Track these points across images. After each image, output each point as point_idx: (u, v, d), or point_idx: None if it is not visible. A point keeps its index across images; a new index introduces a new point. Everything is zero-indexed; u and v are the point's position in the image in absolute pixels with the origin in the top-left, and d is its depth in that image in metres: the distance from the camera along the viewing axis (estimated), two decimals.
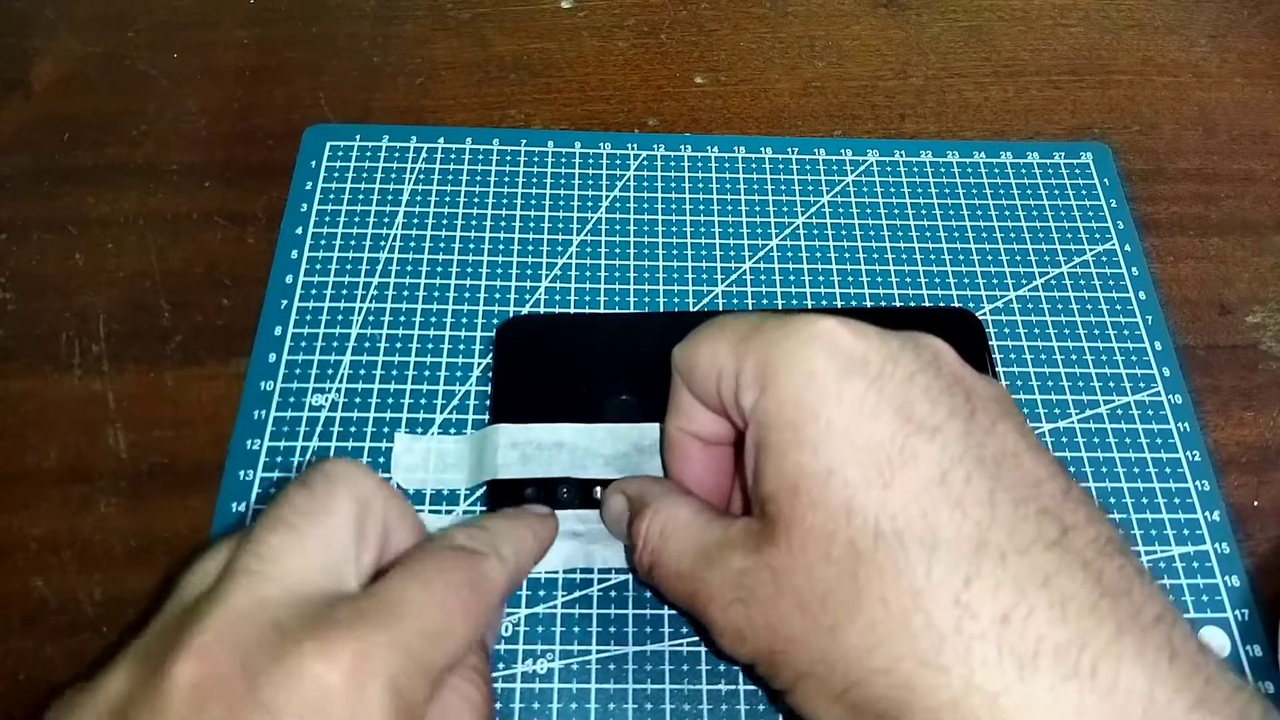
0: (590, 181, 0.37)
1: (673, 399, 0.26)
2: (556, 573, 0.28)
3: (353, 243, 0.35)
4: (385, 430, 0.31)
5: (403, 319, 0.33)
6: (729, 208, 0.36)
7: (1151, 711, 0.18)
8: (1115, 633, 0.18)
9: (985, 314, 0.34)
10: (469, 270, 0.34)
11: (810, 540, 0.20)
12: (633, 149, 0.38)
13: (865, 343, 0.21)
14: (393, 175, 0.36)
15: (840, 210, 0.36)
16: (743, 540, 0.22)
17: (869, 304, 0.34)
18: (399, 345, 0.32)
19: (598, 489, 0.29)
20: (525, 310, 0.33)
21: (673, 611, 0.28)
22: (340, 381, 0.32)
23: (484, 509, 0.29)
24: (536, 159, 0.37)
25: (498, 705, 0.26)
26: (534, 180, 0.37)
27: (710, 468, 0.26)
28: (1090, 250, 0.36)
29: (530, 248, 0.35)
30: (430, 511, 0.29)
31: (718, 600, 0.22)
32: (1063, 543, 0.19)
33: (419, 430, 0.31)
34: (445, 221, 0.35)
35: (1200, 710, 0.18)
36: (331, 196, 0.36)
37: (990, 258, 0.35)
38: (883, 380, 0.21)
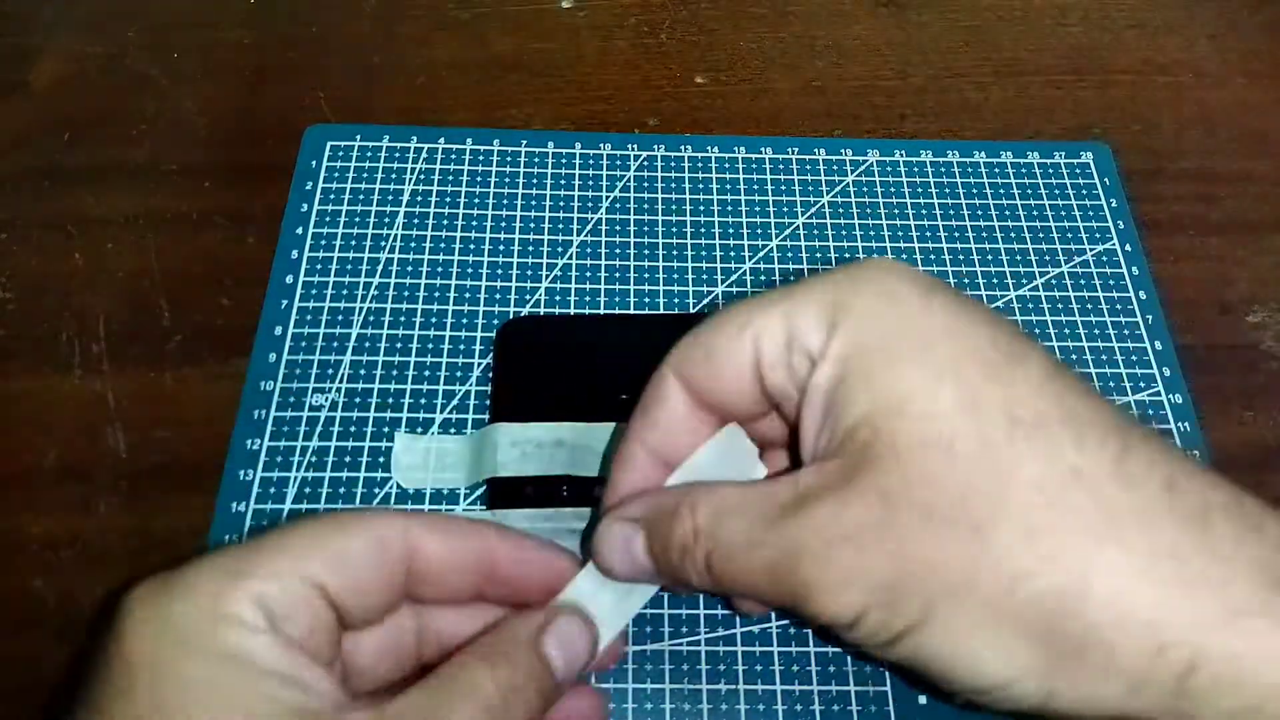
0: (590, 182, 0.37)
1: (646, 409, 0.23)
2: None
3: (353, 243, 0.35)
4: (385, 430, 0.31)
5: (403, 319, 0.33)
6: (729, 208, 0.36)
7: None
8: (1258, 506, 0.18)
9: None
10: (469, 270, 0.34)
11: (927, 446, 0.18)
12: (633, 149, 0.38)
13: (917, 269, 0.21)
14: (393, 175, 0.36)
15: (840, 210, 0.36)
16: (824, 482, 0.19)
17: None
18: (399, 345, 0.32)
19: (597, 488, 0.29)
20: (525, 310, 0.33)
21: (673, 611, 0.28)
22: (340, 381, 0.32)
23: (484, 508, 0.29)
24: (536, 159, 0.37)
25: None
26: (534, 180, 0.37)
27: (656, 485, 0.23)
28: (1090, 250, 0.36)
29: (530, 248, 0.35)
30: (430, 511, 0.29)
31: (809, 552, 0.19)
32: (1171, 446, 0.19)
33: (419, 430, 0.31)
34: (445, 221, 0.35)
35: None
36: (332, 196, 0.36)
37: (990, 257, 0.35)
38: (961, 296, 0.20)
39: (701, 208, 0.36)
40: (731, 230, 0.36)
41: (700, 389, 0.22)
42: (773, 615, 0.28)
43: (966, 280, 0.35)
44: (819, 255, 0.35)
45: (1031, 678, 0.17)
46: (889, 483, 0.18)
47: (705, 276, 0.35)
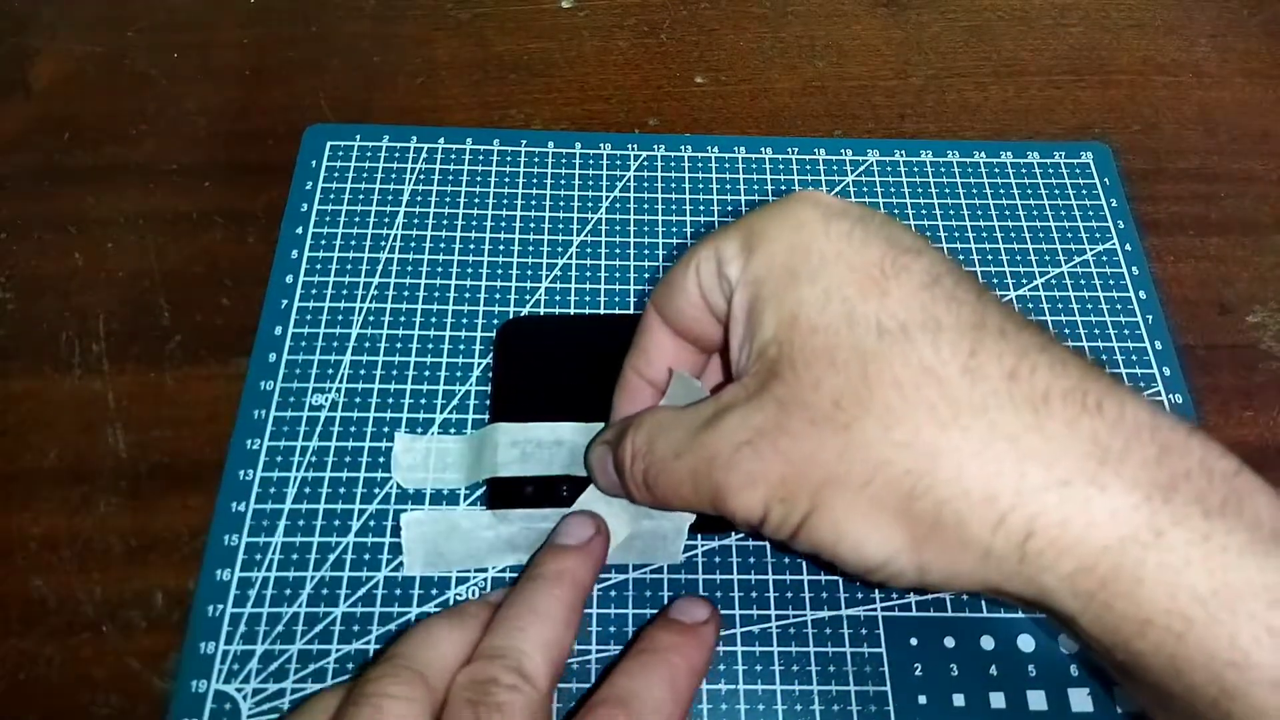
0: (590, 181, 0.37)
1: (637, 340, 0.26)
2: None
3: (353, 243, 0.35)
4: (385, 430, 0.31)
5: (403, 319, 0.33)
6: (729, 208, 0.36)
7: (1157, 435, 0.19)
8: (1112, 385, 0.20)
9: None
10: (469, 270, 0.34)
11: (815, 357, 0.21)
12: (633, 149, 0.38)
13: (841, 201, 0.23)
14: (393, 175, 0.36)
15: None
16: (738, 398, 0.22)
17: None
18: (399, 345, 0.32)
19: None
20: (525, 310, 0.33)
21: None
22: (340, 381, 0.32)
23: (484, 508, 0.29)
24: (536, 159, 0.37)
25: None
26: (534, 180, 0.37)
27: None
28: (1090, 250, 0.36)
29: (530, 248, 0.35)
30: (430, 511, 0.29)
31: (721, 458, 0.22)
32: (1046, 336, 0.21)
33: (419, 430, 0.31)
34: (445, 221, 0.35)
35: (1198, 435, 0.19)
36: (332, 196, 0.36)
37: (990, 257, 0.35)
38: (865, 220, 0.22)
39: (701, 208, 0.36)
40: None
41: (671, 319, 0.25)
42: (773, 615, 0.28)
43: None
44: None
45: (904, 554, 0.20)
46: (785, 392, 0.21)
47: None
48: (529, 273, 0.34)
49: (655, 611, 0.28)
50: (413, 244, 0.35)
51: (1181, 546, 0.18)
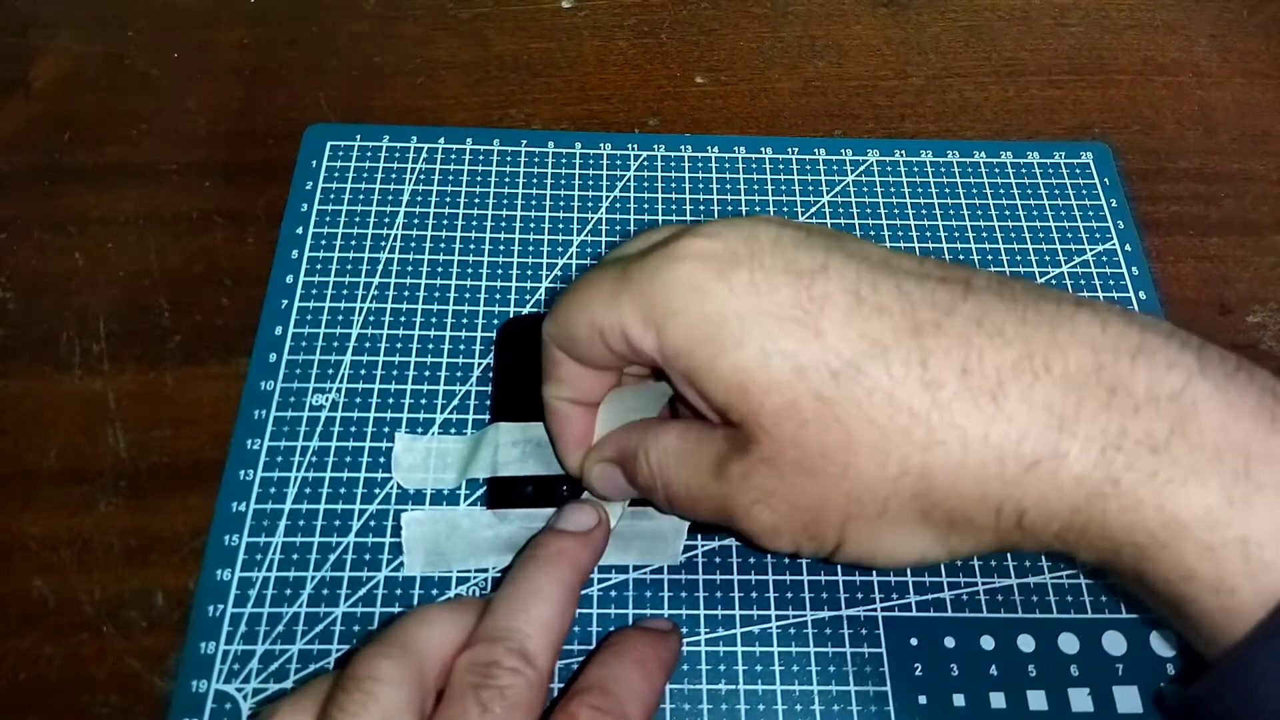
0: (590, 181, 0.37)
1: (548, 370, 0.26)
2: None
3: (353, 243, 0.35)
4: (385, 430, 0.31)
5: (403, 319, 0.33)
6: (730, 208, 0.36)
7: (1104, 376, 0.20)
8: (1049, 331, 0.21)
9: None
10: (469, 270, 0.34)
11: (781, 420, 0.21)
12: (633, 149, 0.38)
13: (722, 240, 0.23)
14: (393, 175, 0.36)
15: (840, 210, 0.36)
16: (731, 448, 0.23)
17: None
18: (399, 345, 0.32)
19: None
20: (525, 310, 0.33)
21: (673, 612, 0.28)
22: (340, 381, 0.32)
23: (484, 507, 0.29)
24: (537, 159, 0.37)
25: None
26: (534, 180, 0.37)
27: (592, 424, 0.27)
28: (1090, 250, 0.36)
29: (530, 248, 0.35)
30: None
31: (739, 508, 0.23)
32: (971, 291, 0.22)
33: (419, 430, 0.31)
34: (445, 221, 0.35)
35: (1143, 356, 0.21)
36: (332, 196, 0.36)
37: (990, 257, 0.35)
38: (755, 257, 0.22)
39: (701, 208, 0.36)
40: None
41: (579, 359, 0.26)
42: (773, 616, 0.28)
43: None
44: None
45: (934, 549, 0.22)
46: (769, 452, 0.22)
47: None
48: (529, 273, 0.34)
49: (655, 612, 0.28)
50: (413, 244, 0.35)
51: (1132, 489, 0.20)
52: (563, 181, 0.37)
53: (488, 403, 0.31)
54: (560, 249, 0.35)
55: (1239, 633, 0.20)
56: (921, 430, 0.21)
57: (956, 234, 0.36)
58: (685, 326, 0.22)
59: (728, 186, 0.37)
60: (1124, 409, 0.20)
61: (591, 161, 0.37)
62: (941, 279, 0.22)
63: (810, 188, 0.37)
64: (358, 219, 0.35)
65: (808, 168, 0.37)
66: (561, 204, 0.36)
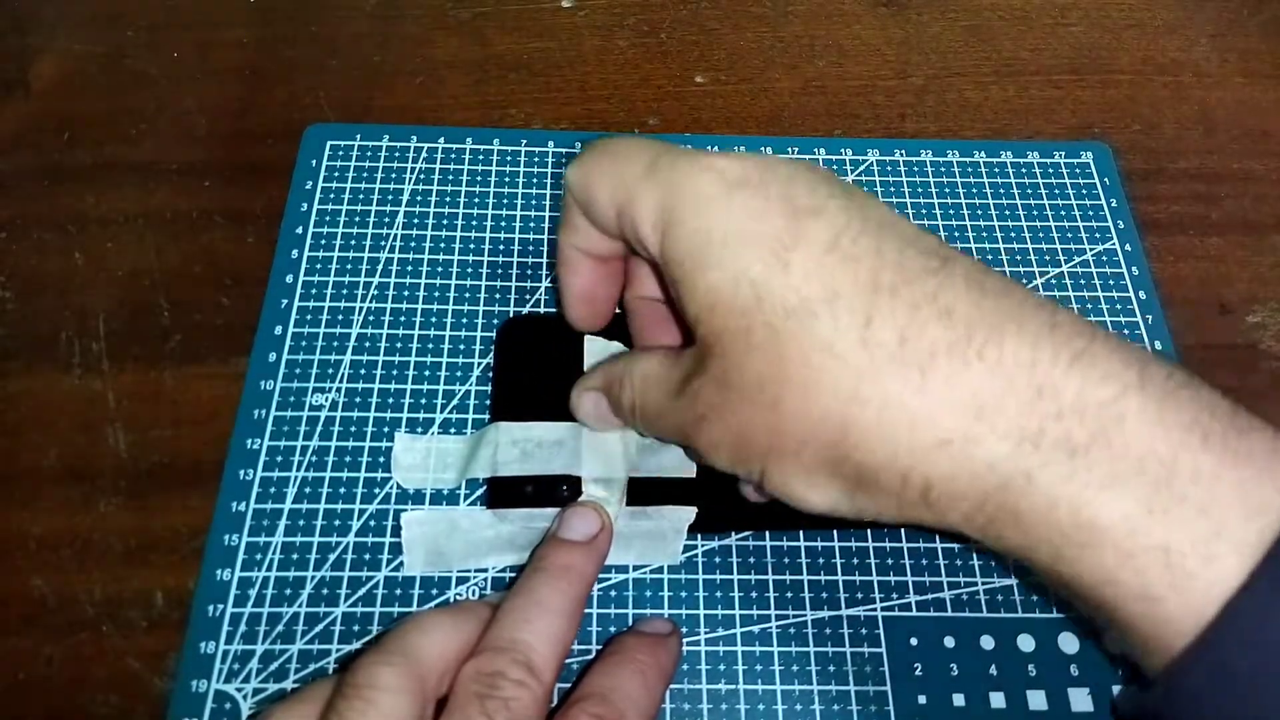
0: None
1: (566, 216, 0.27)
2: None
3: (353, 242, 0.35)
4: (385, 430, 0.31)
5: (403, 319, 0.33)
6: None
7: (1036, 374, 0.20)
8: (998, 320, 0.21)
9: None
10: (469, 270, 0.34)
11: (734, 340, 0.22)
12: None
13: (745, 164, 0.23)
14: (393, 175, 0.36)
15: None
16: (692, 367, 0.24)
17: None
18: (399, 345, 0.32)
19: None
20: (525, 310, 0.33)
21: (673, 612, 0.28)
22: (340, 381, 0.32)
23: (484, 506, 0.29)
24: (537, 159, 0.37)
25: None
26: (534, 180, 0.37)
27: (602, 279, 0.29)
28: (1090, 250, 0.36)
29: (530, 248, 0.35)
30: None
31: (689, 424, 0.24)
32: (945, 268, 0.22)
33: (419, 430, 0.31)
34: (445, 221, 0.35)
35: (1081, 363, 0.20)
36: (332, 196, 0.36)
37: (990, 257, 0.35)
38: (765, 186, 0.23)
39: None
40: None
41: (590, 219, 0.26)
42: (773, 616, 0.28)
43: None
44: None
45: (843, 502, 0.23)
46: (719, 371, 0.23)
47: None
48: (529, 273, 0.34)
49: (653, 611, 0.28)
50: (413, 244, 0.35)
51: (1047, 488, 0.20)
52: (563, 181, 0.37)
53: (488, 402, 0.31)
54: None
55: (1172, 643, 0.20)
56: (849, 383, 0.21)
57: (956, 234, 0.36)
58: (683, 238, 0.23)
59: None
60: (1047, 412, 0.20)
61: None
62: (923, 250, 0.22)
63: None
64: (358, 219, 0.35)
65: None
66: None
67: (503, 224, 0.35)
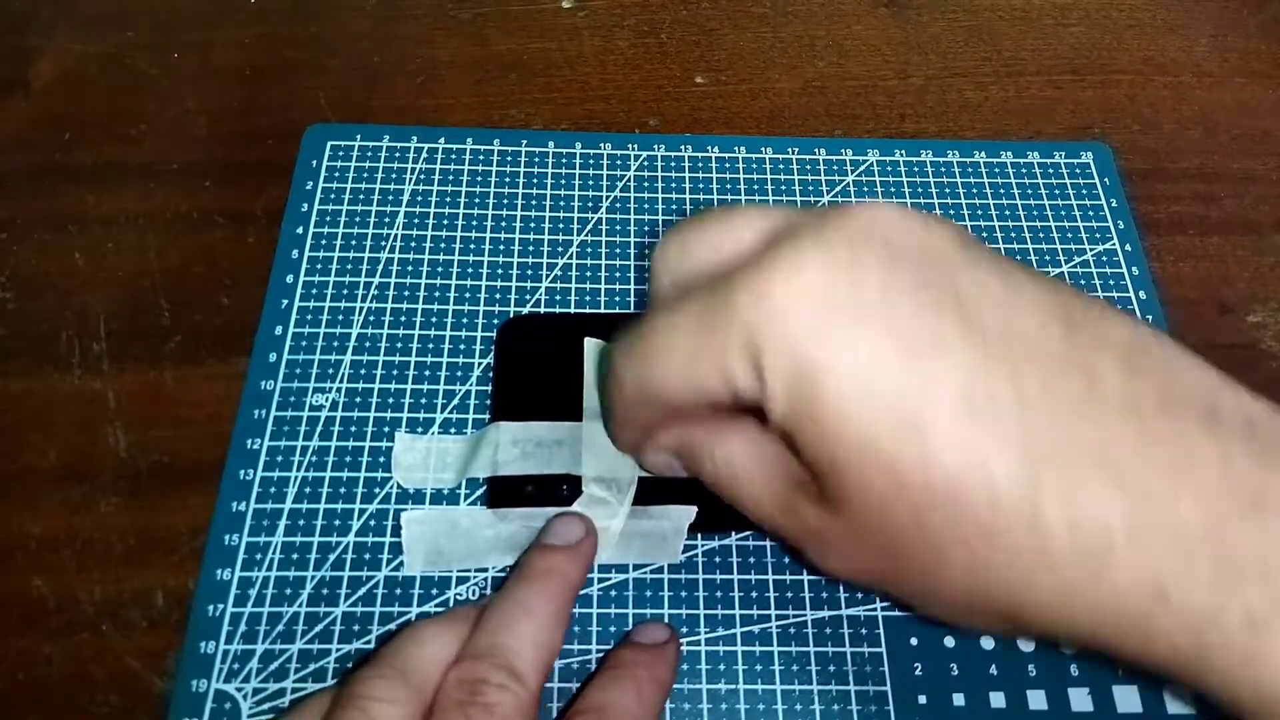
0: (590, 181, 0.37)
1: (631, 417, 0.25)
2: None
3: (353, 242, 0.35)
4: (385, 430, 0.31)
5: (403, 319, 0.33)
6: None
7: (1211, 536, 0.18)
8: (1169, 477, 0.18)
9: None
10: (469, 270, 0.34)
11: (868, 512, 0.20)
12: (633, 149, 0.38)
13: (832, 273, 0.20)
14: (393, 175, 0.36)
15: None
16: (809, 493, 0.22)
17: None
18: (399, 345, 0.32)
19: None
20: (525, 310, 0.33)
21: (673, 611, 0.28)
22: (340, 381, 0.32)
23: (484, 506, 0.29)
24: (537, 159, 0.37)
25: None
26: (534, 180, 0.37)
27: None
28: (1090, 250, 0.36)
29: (530, 248, 0.35)
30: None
31: (805, 544, 0.23)
32: (1094, 395, 0.19)
33: (419, 430, 0.31)
34: (445, 221, 0.35)
35: (1258, 512, 0.18)
36: (332, 196, 0.36)
37: None
38: (865, 318, 0.19)
39: (702, 207, 0.36)
40: None
41: (662, 408, 0.24)
42: (773, 615, 0.28)
43: None
44: None
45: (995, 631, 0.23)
46: (850, 527, 0.21)
47: None
48: (529, 273, 0.34)
49: (653, 612, 0.28)
50: (413, 244, 0.35)
51: (1226, 668, 0.18)
52: (563, 181, 0.37)
53: (488, 402, 0.31)
54: (560, 249, 0.35)
55: None
56: (1020, 576, 0.19)
57: None
58: (784, 384, 0.20)
59: (728, 186, 0.37)
60: (1228, 586, 0.18)
61: (591, 161, 0.37)
62: (1068, 361, 0.19)
63: (810, 188, 0.37)
64: (358, 219, 0.35)
65: (808, 168, 0.37)
66: (561, 204, 0.36)
67: (503, 224, 0.35)
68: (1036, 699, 0.27)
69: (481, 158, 0.37)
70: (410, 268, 0.34)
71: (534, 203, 0.36)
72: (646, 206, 0.36)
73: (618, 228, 0.36)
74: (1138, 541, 0.18)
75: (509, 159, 0.37)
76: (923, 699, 0.27)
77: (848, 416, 0.19)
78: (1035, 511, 0.19)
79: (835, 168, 0.38)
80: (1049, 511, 0.19)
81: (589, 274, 0.34)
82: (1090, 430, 0.19)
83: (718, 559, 0.29)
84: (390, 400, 0.31)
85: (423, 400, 0.31)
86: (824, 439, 0.20)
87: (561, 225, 0.35)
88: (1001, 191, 0.37)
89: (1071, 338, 0.20)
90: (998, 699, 0.27)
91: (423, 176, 0.36)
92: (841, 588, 0.28)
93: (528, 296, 0.34)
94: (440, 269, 0.34)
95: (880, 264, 0.20)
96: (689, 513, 0.29)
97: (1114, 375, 0.19)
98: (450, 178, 0.36)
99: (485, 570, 0.28)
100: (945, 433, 0.19)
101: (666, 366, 0.22)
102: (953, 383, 0.19)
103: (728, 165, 0.37)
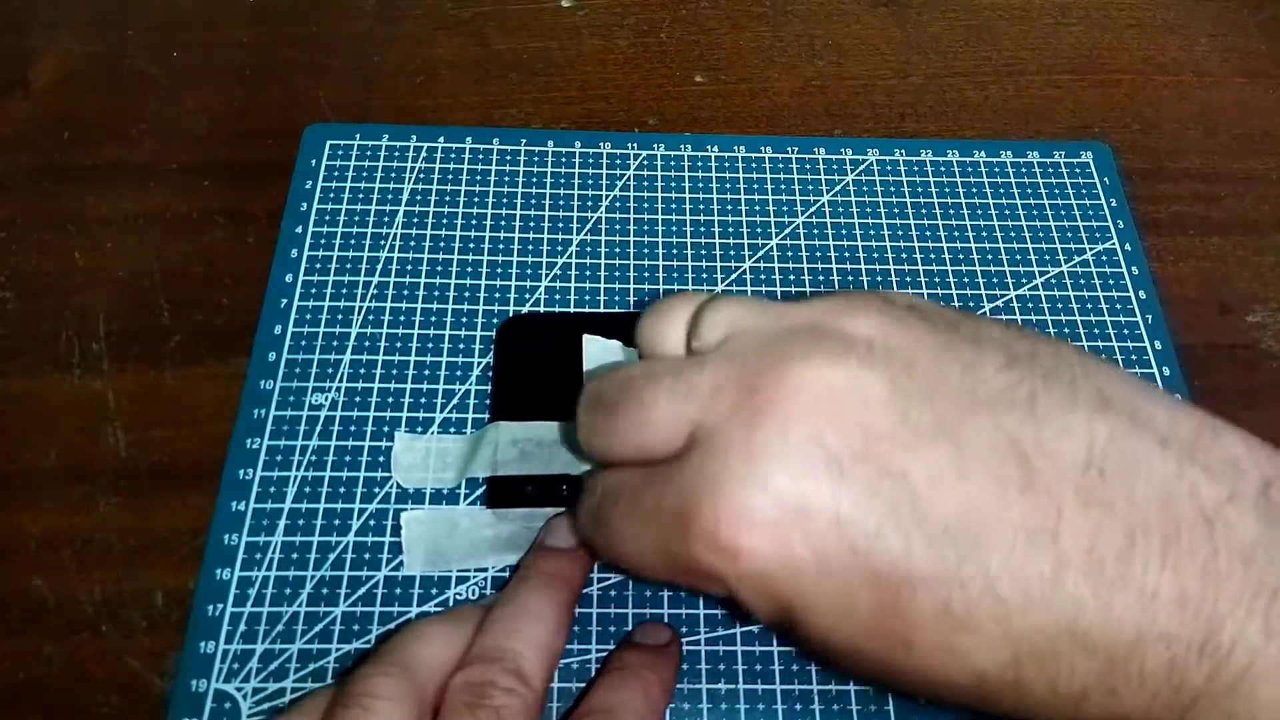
0: (590, 181, 0.37)
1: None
2: None
3: (353, 242, 0.35)
4: (385, 430, 0.31)
5: (403, 318, 0.33)
6: (729, 207, 0.36)
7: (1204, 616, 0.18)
8: (1214, 595, 0.18)
9: (985, 313, 0.34)
10: (469, 270, 0.34)
11: (837, 602, 0.20)
12: (633, 148, 0.38)
13: (779, 511, 0.19)
14: (393, 174, 0.36)
15: (840, 210, 0.36)
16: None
17: None
18: (399, 344, 0.32)
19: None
20: (525, 309, 0.33)
21: (673, 611, 0.28)
22: (340, 380, 0.32)
23: (484, 506, 0.29)
24: (536, 158, 0.37)
25: None
26: (534, 180, 0.37)
27: None
28: (1090, 250, 0.36)
29: (530, 247, 0.35)
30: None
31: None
32: (1060, 574, 0.18)
33: (419, 430, 0.31)
34: (445, 221, 0.35)
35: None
36: (331, 196, 0.36)
37: (990, 257, 0.35)
38: (825, 553, 0.19)
39: (701, 207, 0.36)
40: (731, 229, 0.36)
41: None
42: None
43: (966, 280, 0.35)
44: (819, 254, 0.35)
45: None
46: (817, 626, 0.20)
47: (705, 276, 0.35)
48: (529, 272, 0.34)
49: (655, 611, 0.28)
50: (413, 243, 0.35)
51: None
52: (562, 181, 0.37)
53: (488, 402, 0.31)
54: (560, 248, 0.35)
55: None
56: (1003, 636, 0.19)
57: (956, 233, 0.36)
58: (757, 601, 0.20)
59: (727, 186, 0.37)
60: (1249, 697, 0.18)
61: (591, 161, 0.37)
62: (1021, 457, 0.19)
63: (810, 187, 0.37)
64: (357, 218, 0.35)
65: (807, 167, 0.37)
66: (561, 203, 0.36)
67: (502, 223, 0.35)
68: None
69: (481, 157, 0.37)
70: (410, 267, 0.34)
71: (533, 202, 0.36)
72: (646, 206, 0.36)
73: (617, 227, 0.36)
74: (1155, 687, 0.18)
75: (508, 158, 0.37)
76: (922, 699, 0.27)
77: (831, 629, 0.20)
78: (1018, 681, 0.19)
79: (835, 167, 0.38)
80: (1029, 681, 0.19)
81: (588, 273, 0.34)
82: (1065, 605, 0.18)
83: None
84: (390, 400, 0.31)
85: (422, 400, 0.31)
86: (806, 637, 0.21)
87: (561, 225, 0.35)
88: (1001, 191, 0.37)
89: (1028, 490, 0.19)
90: None
91: (422, 176, 0.36)
92: None
93: (527, 296, 0.34)
94: (440, 268, 0.34)
95: (825, 470, 0.19)
96: None
97: (1070, 535, 0.18)
98: (450, 177, 0.36)
99: (485, 570, 0.28)
100: (929, 644, 0.19)
101: (632, 542, 0.22)
102: (931, 597, 0.19)
103: (727, 164, 0.37)
